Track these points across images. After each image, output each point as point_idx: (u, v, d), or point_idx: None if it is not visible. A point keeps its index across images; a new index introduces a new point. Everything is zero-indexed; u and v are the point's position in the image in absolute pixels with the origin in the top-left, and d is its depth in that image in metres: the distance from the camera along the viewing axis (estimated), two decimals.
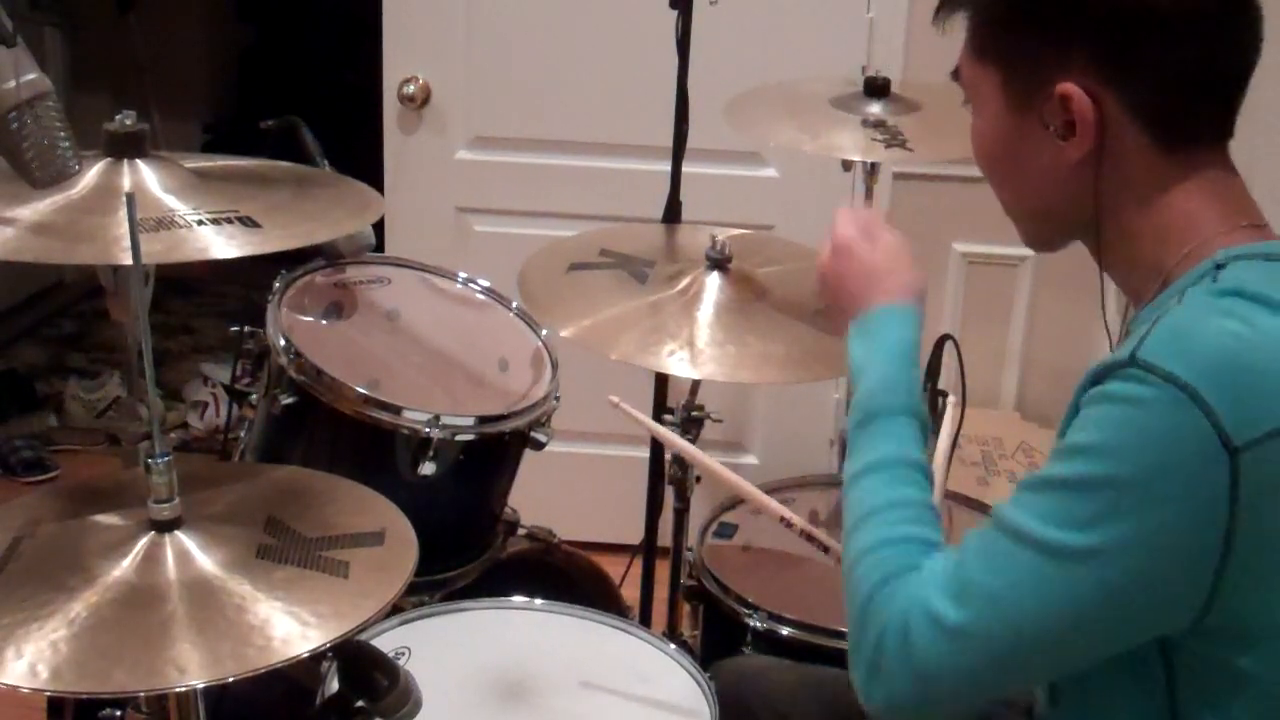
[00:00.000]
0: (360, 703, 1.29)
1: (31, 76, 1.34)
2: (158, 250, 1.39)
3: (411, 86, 2.96)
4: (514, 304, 2.17)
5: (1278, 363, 1.06)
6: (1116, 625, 1.10)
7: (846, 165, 2.48)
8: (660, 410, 2.37)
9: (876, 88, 2.31)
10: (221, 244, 1.43)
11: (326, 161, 2.08)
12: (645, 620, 2.44)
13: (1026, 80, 1.20)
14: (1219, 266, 1.15)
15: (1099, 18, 1.16)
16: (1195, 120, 1.18)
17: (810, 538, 1.65)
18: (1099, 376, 1.11)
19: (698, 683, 1.65)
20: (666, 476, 2.19)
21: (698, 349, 1.88)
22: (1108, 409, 1.09)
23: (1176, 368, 1.05)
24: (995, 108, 1.24)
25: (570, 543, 2.23)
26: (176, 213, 1.46)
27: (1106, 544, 1.07)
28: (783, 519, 1.66)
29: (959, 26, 1.27)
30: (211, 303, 4.70)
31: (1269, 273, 1.14)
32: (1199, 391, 1.04)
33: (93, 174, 1.49)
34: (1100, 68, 1.16)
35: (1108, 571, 1.07)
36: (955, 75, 1.30)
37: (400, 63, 2.97)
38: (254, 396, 1.99)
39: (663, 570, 2.30)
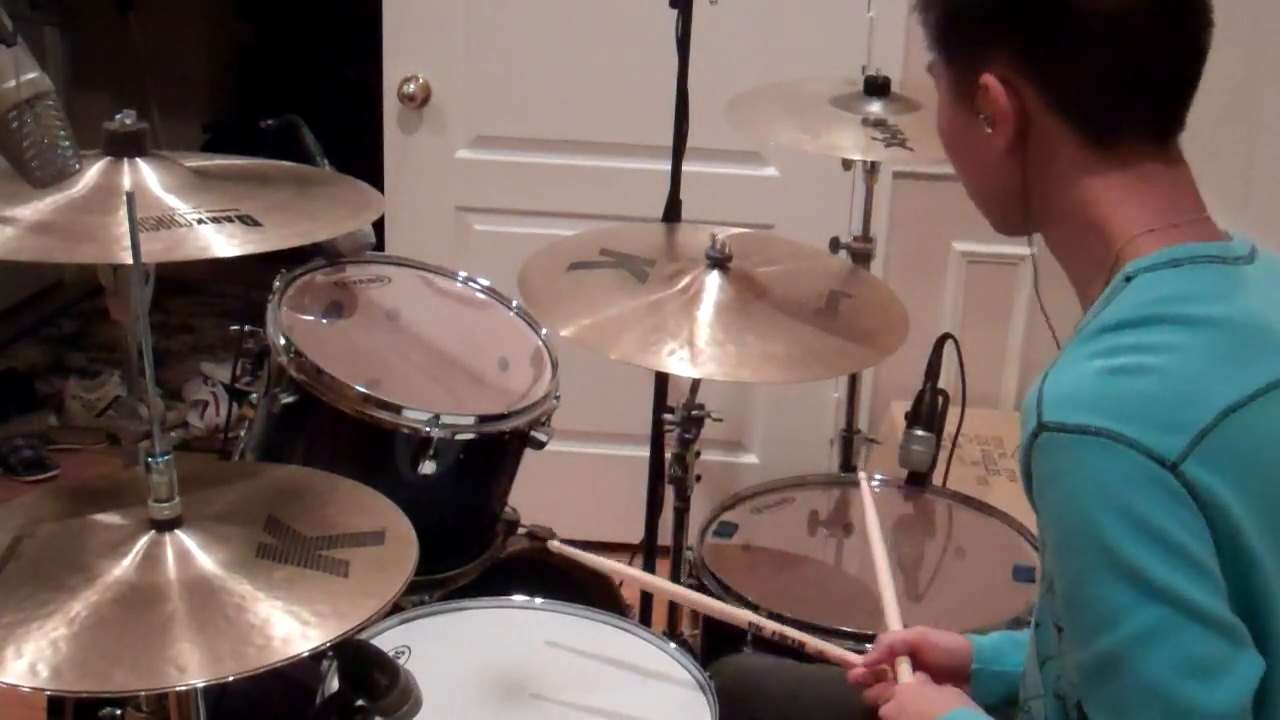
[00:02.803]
0: (360, 702, 1.29)
1: (31, 76, 1.34)
2: (158, 249, 1.39)
3: (411, 86, 2.96)
4: (514, 303, 2.17)
5: (1164, 379, 1.10)
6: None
7: (846, 165, 2.49)
8: (660, 410, 2.37)
9: (876, 87, 2.32)
10: (222, 243, 1.43)
11: (326, 161, 2.08)
12: (645, 620, 2.44)
13: (962, 71, 1.25)
14: (1128, 279, 1.18)
15: (1019, 13, 1.20)
16: (1122, 119, 1.20)
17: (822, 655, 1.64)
18: (1026, 455, 1.14)
19: (698, 682, 1.65)
20: (666, 476, 2.19)
21: (698, 348, 1.88)
22: (1054, 493, 1.12)
23: (1083, 417, 1.09)
24: (946, 98, 1.29)
25: (570, 542, 2.23)
26: (176, 212, 1.46)
27: (1160, 594, 1.08)
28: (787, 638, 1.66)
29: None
30: (211, 302, 4.70)
31: (1172, 280, 1.16)
32: (1113, 429, 1.07)
33: (93, 173, 1.49)
34: (1020, 62, 1.20)
35: (1181, 607, 1.08)
36: (931, 68, 1.34)
37: (400, 62, 2.97)
38: (254, 396, 1.99)
39: (663, 570, 2.30)
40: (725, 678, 1.68)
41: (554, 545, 1.76)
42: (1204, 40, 1.19)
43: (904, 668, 1.50)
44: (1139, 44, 1.17)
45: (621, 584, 2.24)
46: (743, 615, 1.69)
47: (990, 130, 1.23)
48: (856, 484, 2.35)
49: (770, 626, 1.64)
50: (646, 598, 2.49)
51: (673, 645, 1.72)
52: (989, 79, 1.21)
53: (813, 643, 1.61)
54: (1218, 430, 1.08)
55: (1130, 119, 1.20)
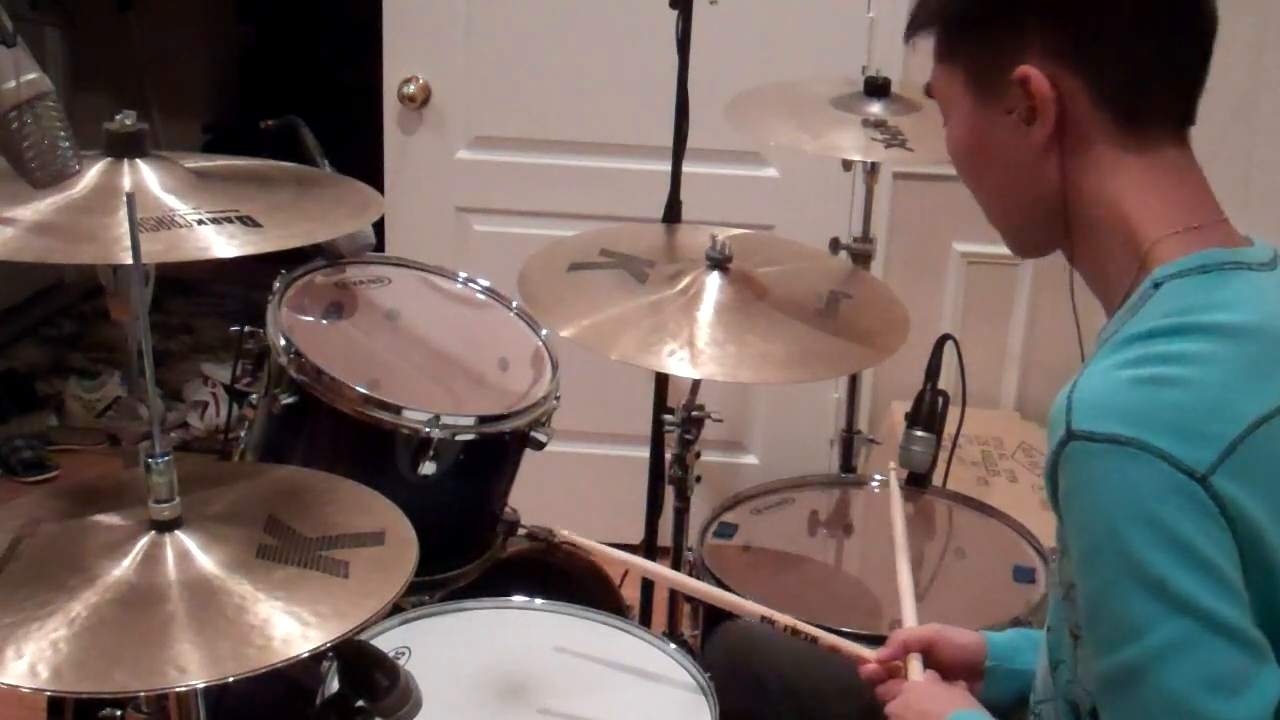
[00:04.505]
0: (360, 703, 1.29)
1: (32, 76, 1.34)
2: (158, 250, 1.39)
3: (411, 86, 2.96)
4: (514, 304, 2.17)
5: (1195, 390, 1.09)
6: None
7: (846, 165, 2.49)
8: (660, 410, 2.37)
9: (877, 88, 2.32)
10: (222, 243, 1.43)
11: (326, 161, 2.08)
12: (645, 620, 2.44)
13: (989, 70, 1.23)
14: (1156, 285, 1.17)
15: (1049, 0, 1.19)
16: (1152, 101, 1.20)
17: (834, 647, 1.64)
18: (1054, 462, 1.13)
19: (698, 683, 1.65)
20: (666, 476, 2.19)
21: (698, 349, 1.88)
22: (1081, 502, 1.11)
23: (1113, 426, 1.08)
24: (964, 106, 1.27)
25: (570, 543, 2.23)
26: (176, 212, 1.46)
27: (1185, 608, 1.07)
28: (785, 625, 1.66)
29: (929, 40, 1.31)
30: (211, 303, 4.70)
31: (1199, 287, 1.16)
32: (1143, 439, 1.07)
33: (93, 174, 1.49)
34: (1055, 48, 1.19)
35: (1205, 621, 1.08)
36: (929, 91, 1.33)
37: (400, 63, 2.97)
38: (254, 396, 1.99)
39: None
40: (728, 640, 1.67)
41: (561, 533, 1.76)
42: (1215, 22, 1.21)
43: (915, 664, 1.50)
44: (1168, 22, 1.18)
45: (623, 583, 2.24)
46: (755, 609, 1.68)
47: (1027, 126, 1.21)
48: (857, 484, 2.37)
49: (783, 621, 1.64)
50: (647, 599, 2.49)
51: (673, 646, 1.72)
52: (1028, 70, 1.19)
53: (825, 638, 1.61)
54: (1247, 443, 1.08)
55: (1157, 102, 1.20)
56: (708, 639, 1.73)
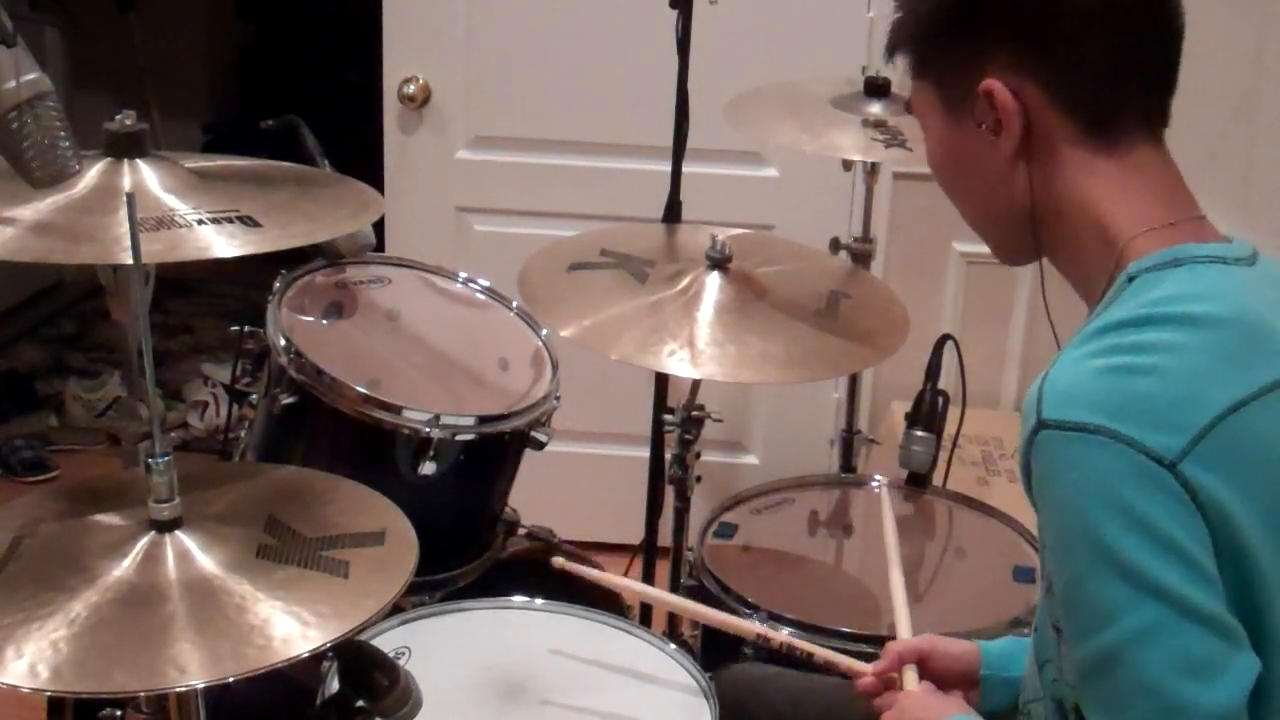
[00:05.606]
0: (360, 703, 1.29)
1: (32, 76, 1.34)
2: (158, 250, 1.39)
3: (411, 86, 2.96)
4: (514, 304, 2.17)
5: (1165, 379, 1.10)
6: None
7: (847, 165, 2.49)
8: (660, 410, 2.37)
9: (876, 88, 2.32)
10: (222, 243, 1.43)
11: (326, 161, 2.08)
12: (645, 620, 2.44)
13: (956, 86, 1.25)
14: (1131, 279, 1.18)
15: (1009, 13, 1.21)
16: (1118, 106, 1.21)
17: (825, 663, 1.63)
18: (1026, 452, 1.14)
19: (698, 683, 1.65)
20: (666, 477, 2.19)
21: (698, 349, 1.88)
22: (1052, 491, 1.12)
23: (1082, 415, 1.09)
24: (937, 121, 1.30)
25: (570, 543, 2.23)
26: (176, 212, 1.46)
27: (1157, 592, 1.08)
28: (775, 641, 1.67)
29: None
30: (211, 303, 4.70)
31: (1173, 280, 1.17)
32: (1111, 428, 1.08)
33: (93, 174, 1.49)
34: (1017, 61, 1.21)
35: (1177, 606, 1.08)
36: (908, 108, 1.36)
37: (400, 63, 2.97)
38: (254, 396, 1.99)
39: (663, 570, 2.30)
40: (726, 686, 1.68)
41: (557, 562, 1.76)
42: (1181, 23, 1.22)
43: (910, 675, 1.50)
44: (1128, 29, 1.20)
45: None
46: (750, 627, 1.68)
47: (995, 137, 1.23)
48: (857, 484, 2.37)
49: (778, 638, 1.64)
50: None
51: (673, 646, 1.72)
52: (991, 83, 1.21)
53: (821, 653, 1.61)
54: (1217, 430, 1.09)
55: (1124, 106, 1.21)
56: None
